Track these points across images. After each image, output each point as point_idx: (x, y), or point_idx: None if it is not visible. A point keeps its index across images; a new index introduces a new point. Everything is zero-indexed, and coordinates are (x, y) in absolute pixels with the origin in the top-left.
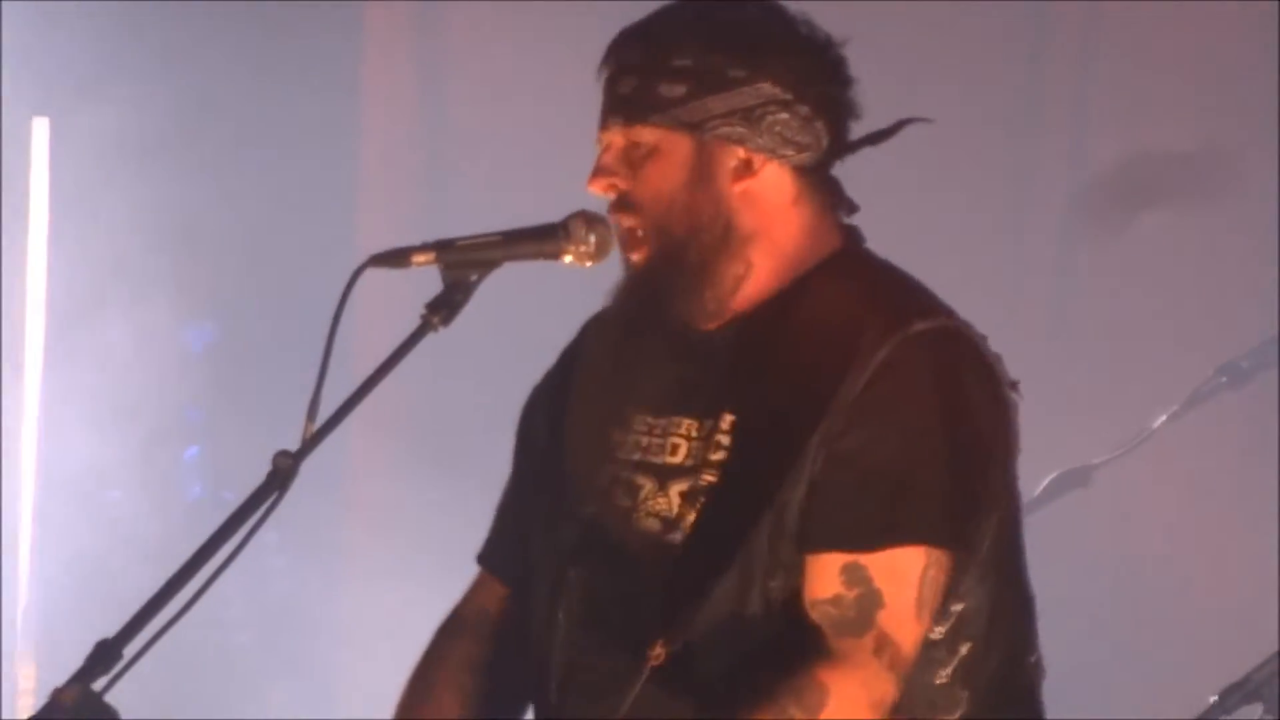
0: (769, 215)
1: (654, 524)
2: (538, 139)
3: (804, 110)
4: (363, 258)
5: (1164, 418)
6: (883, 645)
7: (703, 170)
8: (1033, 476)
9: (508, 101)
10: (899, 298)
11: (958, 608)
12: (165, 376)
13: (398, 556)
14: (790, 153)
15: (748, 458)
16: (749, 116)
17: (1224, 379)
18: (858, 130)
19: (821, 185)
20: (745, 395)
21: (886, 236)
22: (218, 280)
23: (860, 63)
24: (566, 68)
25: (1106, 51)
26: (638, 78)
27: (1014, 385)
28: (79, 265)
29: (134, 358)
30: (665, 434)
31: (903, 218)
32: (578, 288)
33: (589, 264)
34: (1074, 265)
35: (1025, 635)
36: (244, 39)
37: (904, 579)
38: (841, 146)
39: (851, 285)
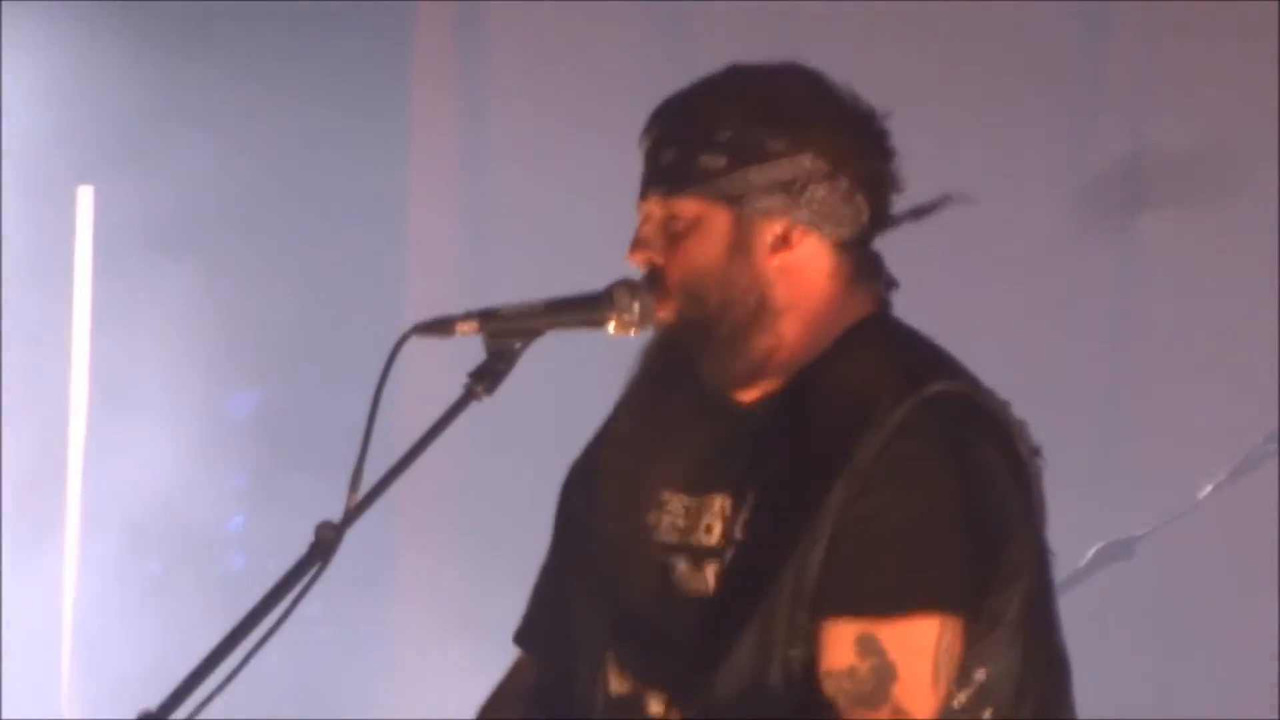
0: (804, 288)
1: (692, 606)
2: (582, 207)
3: (844, 184)
4: (408, 326)
5: (1210, 488)
6: (899, 717)
7: (740, 243)
8: (1077, 548)
9: (553, 169)
10: (916, 362)
11: (981, 675)
12: (209, 445)
13: (443, 631)
14: (830, 227)
15: (767, 528)
16: (789, 189)
17: (1273, 446)
18: (901, 200)
19: (859, 259)
20: (769, 469)
21: (919, 300)
22: (263, 348)
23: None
24: (610, 134)
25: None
26: (678, 149)
27: (1036, 452)
28: (123, 332)
29: (177, 426)
30: (699, 514)
31: (937, 277)
32: (623, 357)
33: (633, 333)
34: (1124, 326)
35: (1057, 702)
36: (291, 108)
37: (919, 650)
38: (882, 220)
39: (871, 351)
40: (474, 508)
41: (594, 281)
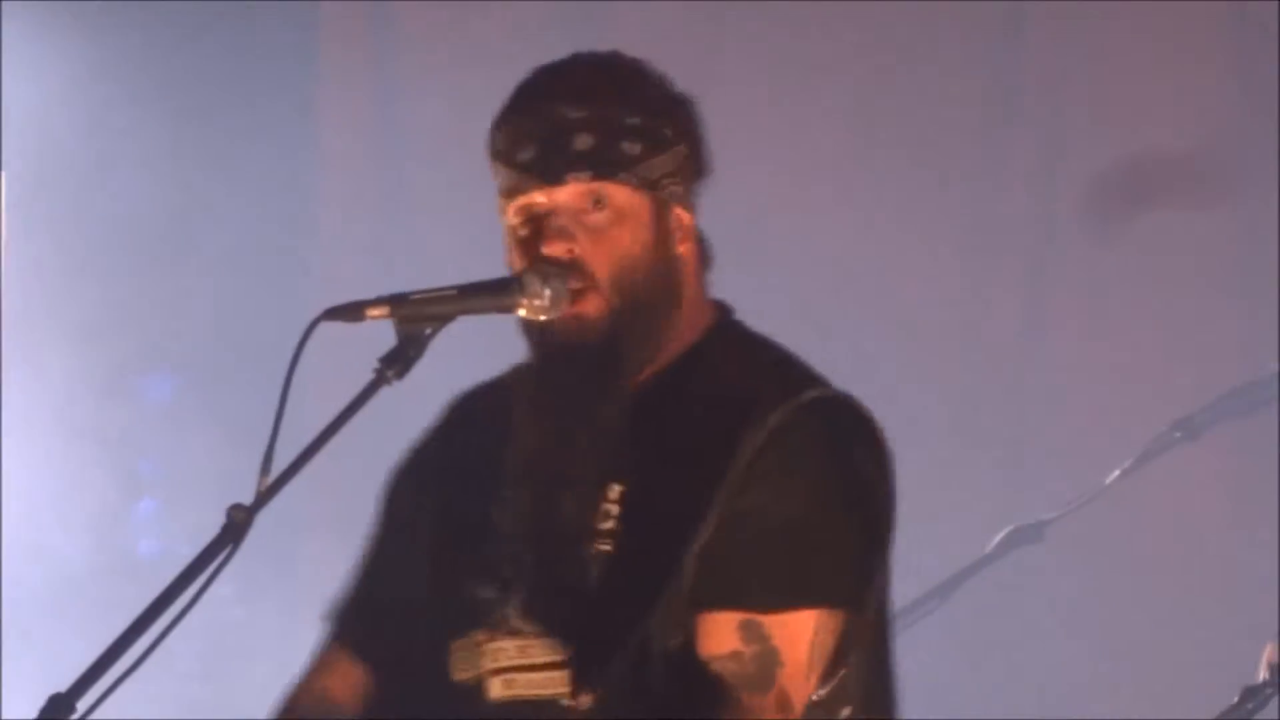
0: (691, 274)
1: (548, 598)
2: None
3: (701, 169)
4: (318, 311)
5: (1117, 473)
6: (784, 704)
7: (662, 231)
8: (985, 532)
9: (463, 156)
10: (786, 368)
11: (842, 671)
12: (118, 429)
13: None
14: (696, 214)
15: (644, 526)
16: (679, 176)
17: (1178, 434)
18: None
19: (704, 241)
20: (647, 458)
21: (841, 280)
22: (173, 332)
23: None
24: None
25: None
26: (597, 134)
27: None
28: (30, 315)
29: (86, 409)
30: (597, 503)
31: (862, 262)
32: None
33: (543, 318)
34: (1034, 317)
35: (894, 706)
36: (199, 86)
37: (798, 638)
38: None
39: (740, 355)
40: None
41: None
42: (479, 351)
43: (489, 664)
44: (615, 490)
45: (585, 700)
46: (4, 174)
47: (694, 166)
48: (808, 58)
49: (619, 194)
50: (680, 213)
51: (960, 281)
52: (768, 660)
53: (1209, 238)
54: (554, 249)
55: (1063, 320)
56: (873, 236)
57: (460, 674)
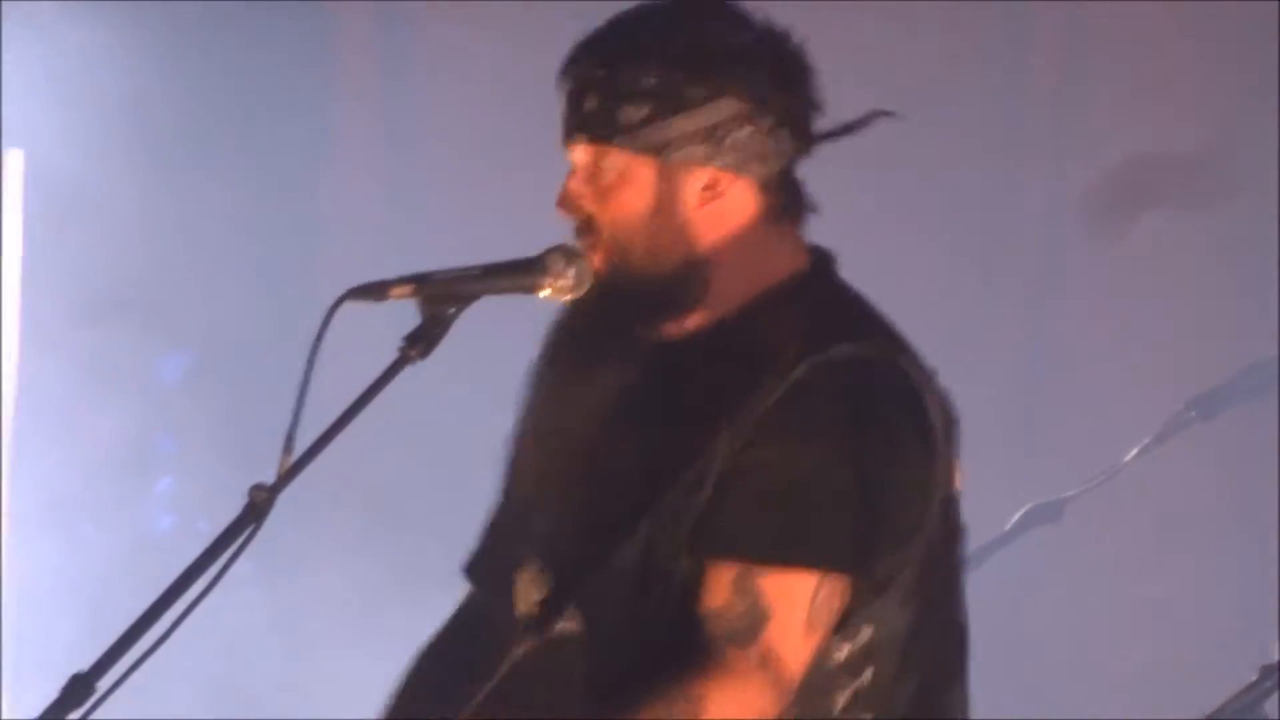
0: (733, 235)
1: (580, 536)
2: (511, 156)
3: (767, 122)
4: (341, 289)
5: (1135, 451)
6: (767, 660)
7: (666, 195)
8: (1004, 511)
9: (480, 120)
10: (834, 322)
11: (868, 633)
12: (138, 406)
13: (370, 594)
14: (755, 167)
15: (634, 464)
16: (712, 135)
17: (1194, 413)
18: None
19: (785, 195)
20: (665, 401)
21: (852, 261)
22: (193, 310)
23: (835, 68)
24: (539, 81)
25: (1094, 52)
26: (601, 96)
27: (953, 423)
28: (51, 296)
29: (106, 387)
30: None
31: (874, 243)
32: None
33: (567, 298)
34: (1047, 300)
35: (949, 666)
36: (215, 71)
37: (794, 598)
38: (806, 145)
39: (792, 308)
40: (403, 470)
41: (526, 221)
42: (500, 330)
43: (530, 598)
44: (621, 436)
45: (569, 624)
46: (21, 153)
47: (749, 120)
48: (816, 61)
49: (619, 158)
50: (704, 173)
51: (975, 261)
52: (756, 616)
53: (1222, 225)
54: (560, 209)
55: (1078, 299)
56: (884, 217)
57: (519, 607)
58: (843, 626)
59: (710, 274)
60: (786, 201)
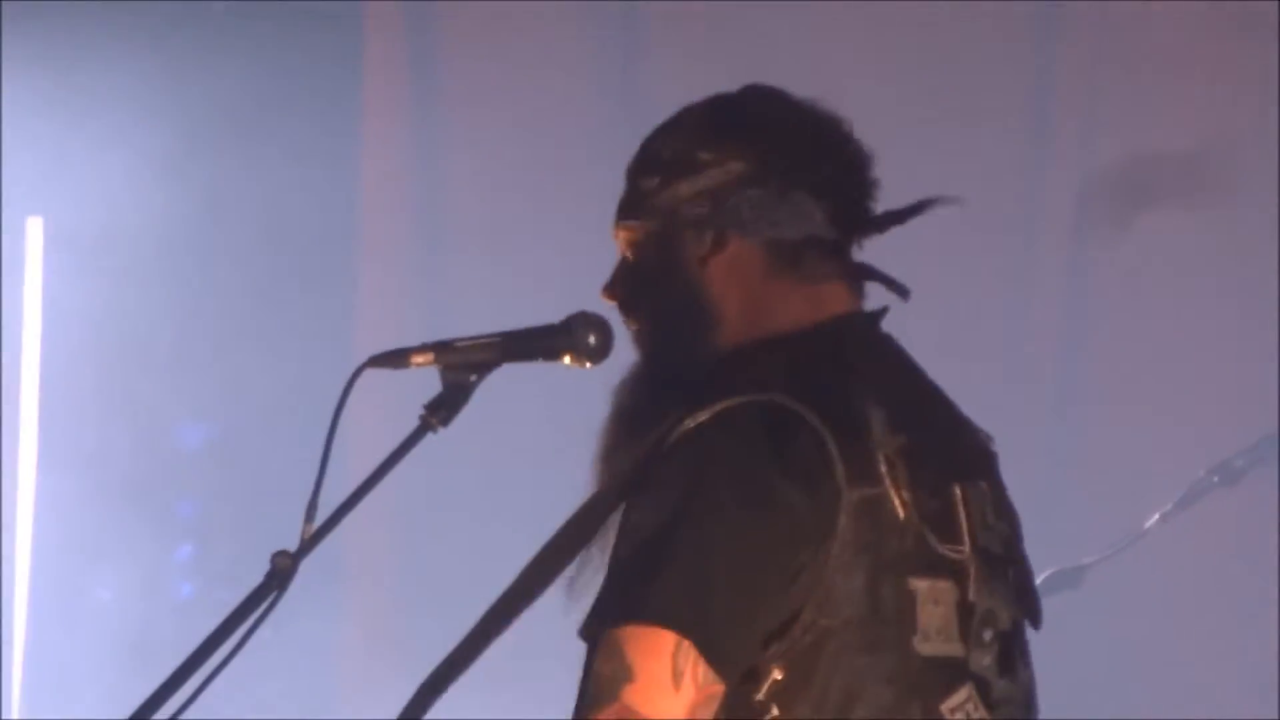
0: (740, 292)
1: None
2: (539, 228)
3: (776, 186)
4: (360, 355)
5: (1156, 517)
6: (624, 718)
7: (669, 255)
8: None
9: (508, 194)
10: (749, 375)
11: (778, 675)
12: (159, 474)
13: (390, 656)
14: (763, 227)
15: (575, 530)
16: (715, 196)
17: (1216, 478)
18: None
19: (809, 260)
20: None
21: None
22: (214, 378)
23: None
24: (566, 153)
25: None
26: (629, 178)
27: (877, 478)
28: (73, 363)
29: (127, 455)
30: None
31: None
32: (581, 390)
33: (589, 365)
34: (1072, 361)
35: (893, 706)
36: (237, 139)
37: (655, 654)
38: (849, 224)
39: (740, 365)
40: (427, 535)
41: (550, 284)
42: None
43: None
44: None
45: None
46: (41, 220)
47: (757, 183)
48: (835, 60)
49: (633, 233)
50: (704, 233)
51: (995, 326)
52: (618, 677)
53: (1248, 274)
54: (602, 296)
55: (1100, 365)
56: (896, 267)
57: None
58: (751, 674)
59: (726, 329)
60: (811, 266)
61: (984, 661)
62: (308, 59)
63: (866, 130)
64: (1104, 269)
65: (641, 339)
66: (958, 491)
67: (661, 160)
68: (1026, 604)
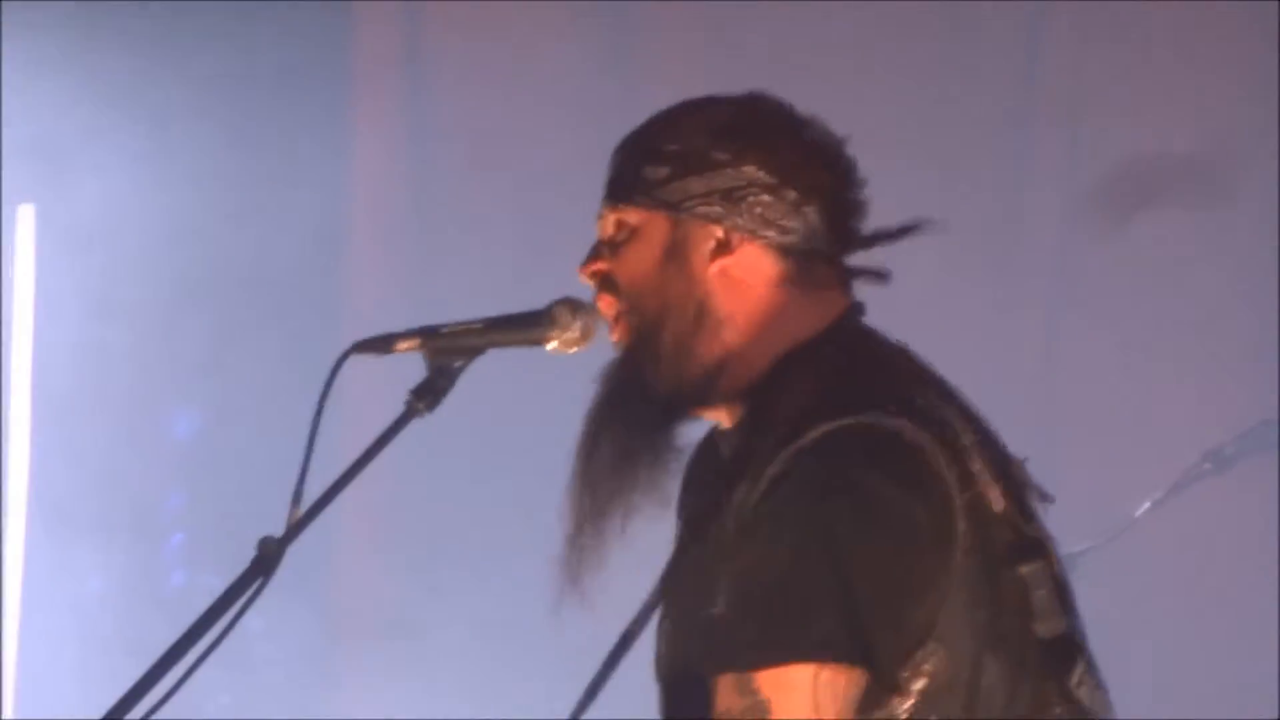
0: (746, 295)
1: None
2: (529, 215)
3: (790, 195)
4: (348, 343)
5: (1148, 505)
6: None
7: (677, 249)
8: None
9: (498, 181)
10: (825, 398)
11: (919, 685)
12: (149, 463)
13: (385, 647)
14: (772, 234)
15: (676, 591)
16: (729, 196)
17: (1208, 465)
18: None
19: (812, 268)
20: (685, 515)
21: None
22: (201, 366)
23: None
24: (556, 138)
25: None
26: (628, 161)
27: (972, 477)
28: (62, 352)
29: (117, 444)
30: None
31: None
32: (557, 372)
33: (574, 350)
34: (1060, 348)
35: (1035, 697)
36: (228, 125)
37: (792, 689)
38: (845, 239)
39: (796, 384)
40: (415, 519)
41: (539, 275)
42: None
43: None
44: (688, 542)
45: None
46: (33, 208)
47: (770, 190)
48: (827, 60)
49: (635, 215)
50: (716, 230)
51: (984, 313)
52: (756, 711)
53: (1244, 268)
54: (581, 271)
55: (1090, 352)
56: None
57: None
58: (896, 686)
59: (726, 334)
60: (815, 275)
61: (1078, 628)
62: (299, 43)
63: (865, 131)
64: (1096, 253)
65: (629, 323)
66: (1016, 470)
67: (670, 151)
68: None
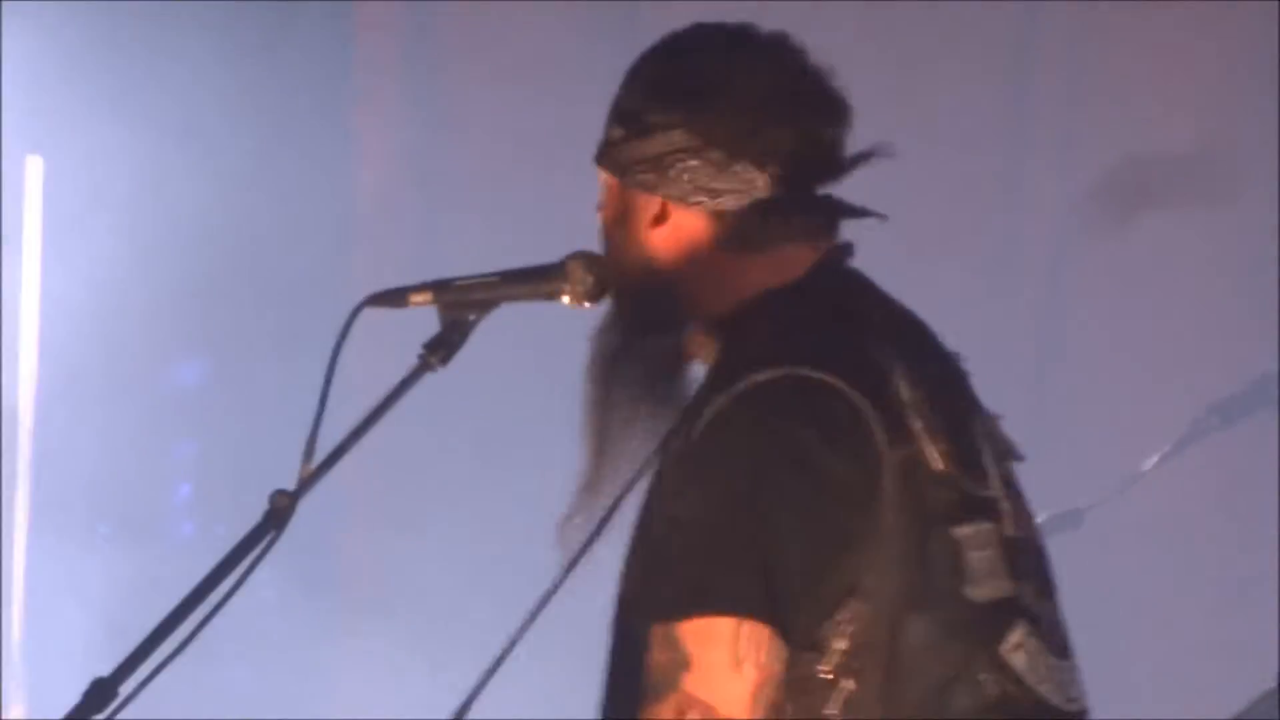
0: (690, 259)
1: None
2: (536, 168)
3: (716, 156)
4: (361, 295)
5: (1155, 459)
6: (685, 706)
7: (625, 216)
8: None
9: (506, 130)
10: (765, 348)
11: (841, 644)
12: (159, 414)
13: (391, 598)
14: (704, 199)
15: (633, 529)
16: (659, 165)
17: (1215, 419)
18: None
19: (762, 226)
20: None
21: (869, 257)
22: (212, 317)
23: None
24: (561, 94)
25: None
26: (608, 116)
27: (910, 436)
28: (71, 303)
29: (126, 393)
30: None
31: (890, 245)
32: (569, 339)
33: (588, 305)
34: (1065, 306)
35: (961, 660)
36: (237, 74)
37: (713, 642)
38: (799, 185)
39: (751, 335)
40: (425, 473)
41: (546, 250)
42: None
43: None
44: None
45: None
46: (41, 159)
47: (697, 153)
48: (825, 60)
49: (602, 176)
50: (653, 201)
51: (990, 268)
52: (677, 666)
53: (1226, 227)
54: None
55: (1095, 307)
56: (892, 230)
57: None
58: (816, 647)
59: (680, 291)
60: (761, 232)
61: (1029, 592)
62: (302, 6)
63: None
64: (1104, 211)
65: (610, 273)
66: (977, 427)
67: (624, 110)
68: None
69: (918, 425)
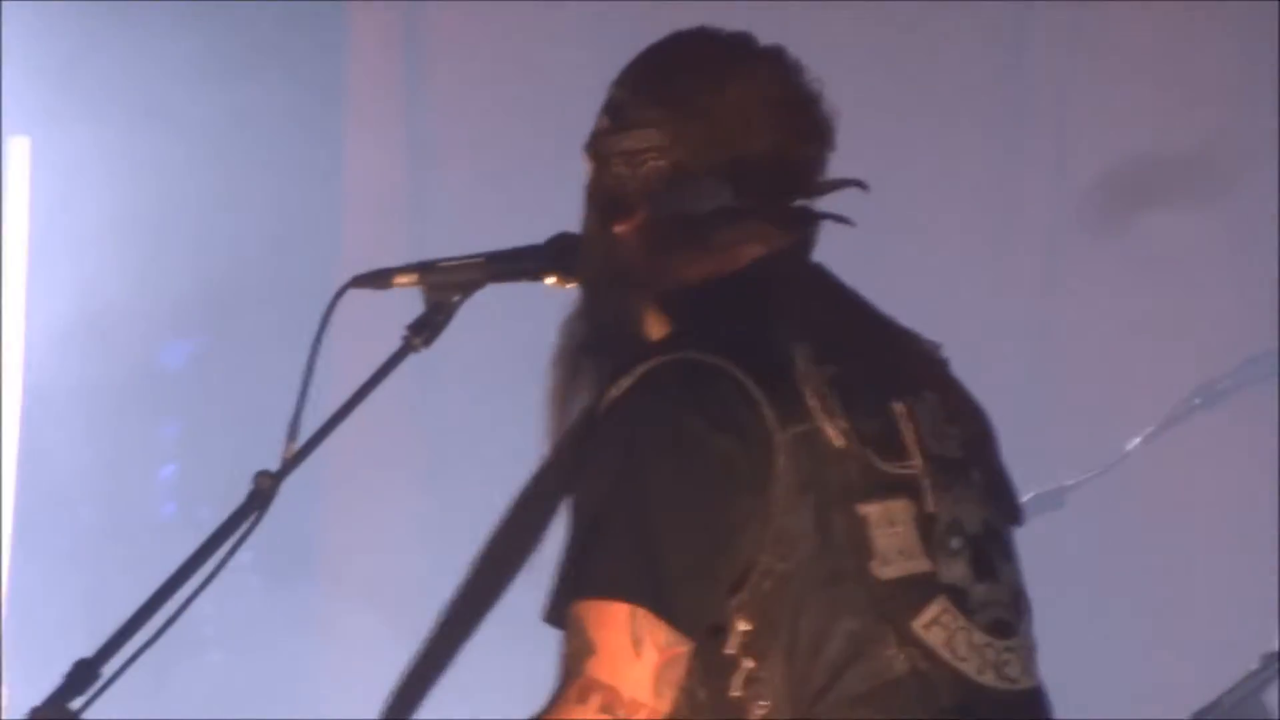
0: (648, 257)
1: None
2: (523, 153)
3: (686, 161)
4: (346, 277)
5: (1139, 439)
6: (588, 689)
7: (599, 204)
8: None
9: (493, 116)
10: (676, 333)
11: (745, 625)
12: (143, 394)
13: (373, 579)
14: (669, 202)
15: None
16: (632, 160)
17: (1199, 400)
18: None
19: (718, 229)
20: None
21: (866, 250)
22: (196, 297)
23: (839, 69)
24: (552, 80)
25: (1091, 52)
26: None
27: (806, 414)
28: (57, 283)
29: (110, 374)
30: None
31: (880, 235)
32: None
33: (571, 285)
34: (1051, 290)
35: (866, 638)
36: (226, 57)
37: (613, 626)
38: (765, 194)
39: (677, 322)
40: (407, 453)
41: (537, 211)
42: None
43: None
44: None
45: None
46: (28, 140)
47: (661, 155)
48: (816, 59)
49: (586, 163)
50: (621, 191)
51: (978, 254)
52: (583, 649)
53: (1222, 220)
54: None
55: (1082, 290)
56: (889, 212)
57: None
58: (717, 628)
59: (633, 280)
60: (708, 233)
61: (956, 570)
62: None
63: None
64: (1101, 208)
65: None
66: (899, 408)
67: (613, 102)
68: (1002, 503)
69: (812, 404)
